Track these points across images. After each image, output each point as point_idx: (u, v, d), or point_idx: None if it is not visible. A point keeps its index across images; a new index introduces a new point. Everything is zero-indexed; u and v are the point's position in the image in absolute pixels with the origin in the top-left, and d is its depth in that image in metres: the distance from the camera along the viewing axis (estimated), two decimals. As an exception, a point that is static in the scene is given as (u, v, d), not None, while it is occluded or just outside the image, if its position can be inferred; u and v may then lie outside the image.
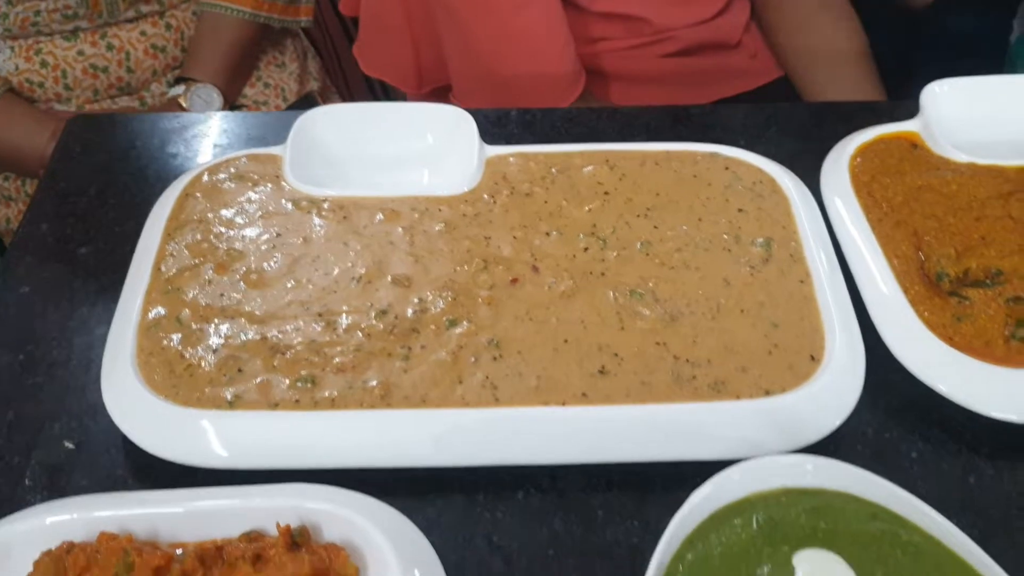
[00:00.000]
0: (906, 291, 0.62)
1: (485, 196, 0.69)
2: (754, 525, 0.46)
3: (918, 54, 1.27)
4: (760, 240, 0.66)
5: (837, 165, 0.71)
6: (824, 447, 0.56)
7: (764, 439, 0.55)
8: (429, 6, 1.04)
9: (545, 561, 0.53)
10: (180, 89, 1.21)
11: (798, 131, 0.80)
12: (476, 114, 0.74)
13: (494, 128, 0.80)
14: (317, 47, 1.43)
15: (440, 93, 1.14)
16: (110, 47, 1.19)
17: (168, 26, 1.22)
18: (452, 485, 0.56)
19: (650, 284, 0.63)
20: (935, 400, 0.58)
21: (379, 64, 1.13)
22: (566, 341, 0.59)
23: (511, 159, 0.72)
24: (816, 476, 0.48)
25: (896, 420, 0.59)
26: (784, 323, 0.61)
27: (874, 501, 0.47)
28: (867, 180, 0.69)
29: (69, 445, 0.58)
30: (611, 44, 1.13)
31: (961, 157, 0.70)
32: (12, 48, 1.17)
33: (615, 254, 0.65)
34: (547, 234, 0.66)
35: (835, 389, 0.57)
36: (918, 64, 1.24)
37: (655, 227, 0.67)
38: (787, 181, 0.70)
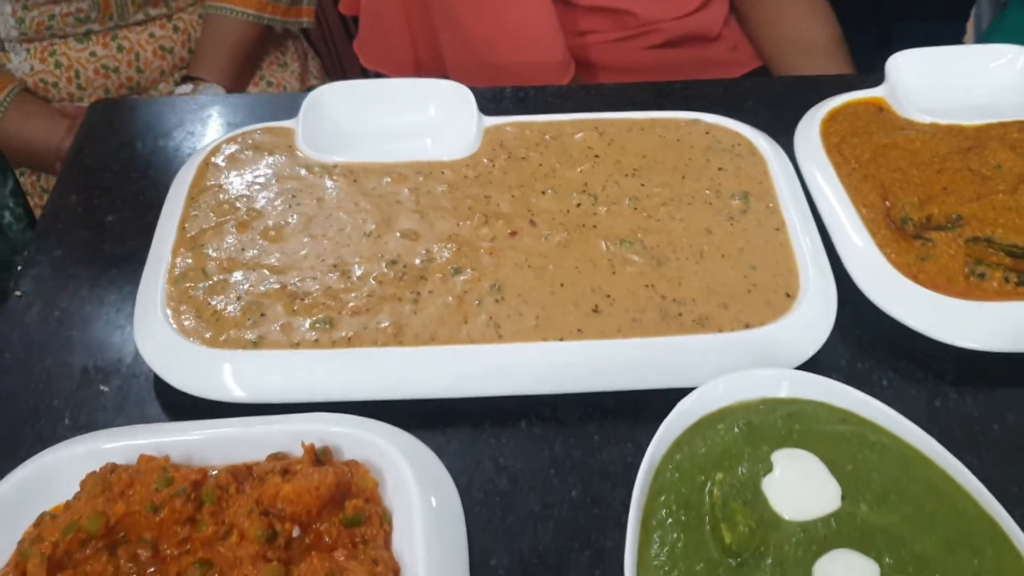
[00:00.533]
0: (874, 235, 0.67)
1: (484, 160, 0.74)
2: (736, 429, 0.51)
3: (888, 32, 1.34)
4: (739, 194, 0.71)
5: (809, 127, 0.76)
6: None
7: (744, 367, 0.60)
8: (427, 3, 1.10)
9: (547, 479, 0.58)
10: (187, 88, 1.26)
11: (773, 102, 0.86)
12: (473, 91, 0.79)
13: (490, 104, 0.85)
14: (317, 48, 1.49)
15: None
16: (120, 48, 1.25)
17: (176, 28, 1.28)
18: (461, 415, 0.61)
19: (639, 235, 0.68)
20: (903, 333, 0.63)
21: (378, 58, 1.19)
22: (562, 285, 0.64)
23: (508, 128, 0.77)
24: (792, 388, 0.53)
25: (868, 352, 0.65)
26: (761, 265, 0.66)
27: (844, 407, 0.52)
28: (837, 141, 0.75)
29: (104, 388, 0.63)
30: (598, 37, 1.19)
31: (924, 118, 0.76)
32: (28, 50, 1.22)
33: (605, 209, 0.70)
34: (543, 192, 0.71)
35: (809, 321, 0.62)
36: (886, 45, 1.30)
37: (642, 185, 0.72)
38: (763, 143, 0.75)
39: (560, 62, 1.09)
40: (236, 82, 1.30)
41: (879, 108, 0.78)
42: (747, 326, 0.62)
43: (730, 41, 1.25)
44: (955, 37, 1.45)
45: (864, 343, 0.65)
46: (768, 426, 0.51)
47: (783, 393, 0.53)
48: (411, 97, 0.79)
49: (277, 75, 1.37)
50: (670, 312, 0.63)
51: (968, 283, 0.64)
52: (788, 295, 0.64)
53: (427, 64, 1.16)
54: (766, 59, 1.23)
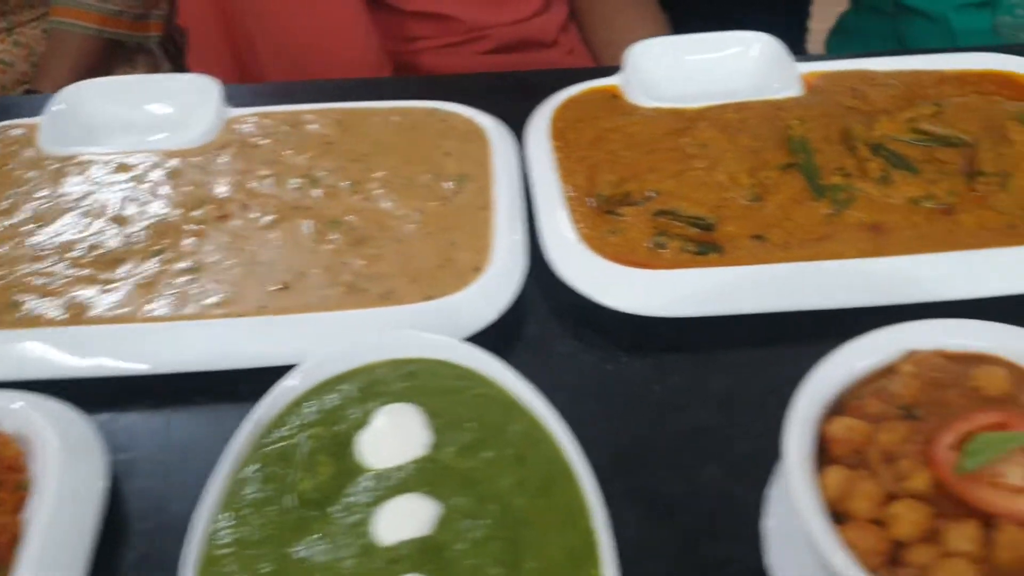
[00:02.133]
0: (572, 212, 0.69)
1: (215, 150, 0.76)
2: (355, 391, 0.53)
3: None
4: (456, 177, 0.73)
5: (541, 114, 0.78)
6: (487, 343, 0.62)
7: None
8: (241, 9, 1.12)
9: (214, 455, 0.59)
10: (30, 101, 1.28)
11: (535, 92, 0.87)
12: (266, 86, 0.80)
13: (281, 99, 0.86)
14: (172, 61, 1.51)
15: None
16: (-40, 62, 1.27)
17: (16, 43, 1.30)
18: (138, 391, 0.62)
19: (348, 216, 0.70)
20: (586, 303, 0.64)
21: (206, 68, 1.21)
22: (259, 263, 0.66)
23: (250, 118, 0.79)
24: (419, 349, 0.55)
25: (555, 322, 0.66)
26: (460, 243, 0.67)
27: (463, 365, 0.54)
28: (563, 127, 0.77)
29: None
30: (426, 43, 1.21)
31: (649, 103, 0.78)
32: None
33: (322, 192, 0.72)
34: (264, 177, 0.73)
35: (491, 292, 0.64)
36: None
37: (367, 169, 0.74)
38: (493, 129, 0.77)
39: (373, 67, 1.11)
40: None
41: (613, 95, 0.80)
42: (429, 297, 0.64)
43: (567, 46, 1.28)
44: (799, 33, 1.48)
45: (552, 314, 0.67)
46: (383, 383, 0.53)
47: (410, 353, 0.54)
48: (158, 92, 0.81)
49: (127, 88, 1.39)
50: (358, 287, 0.64)
51: (650, 253, 0.66)
52: (476, 269, 0.66)
53: (251, 70, 1.18)
54: (599, 63, 1.26)
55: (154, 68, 1.43)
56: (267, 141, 0.77)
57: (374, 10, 1.15)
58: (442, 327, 0.62)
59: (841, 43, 1.38)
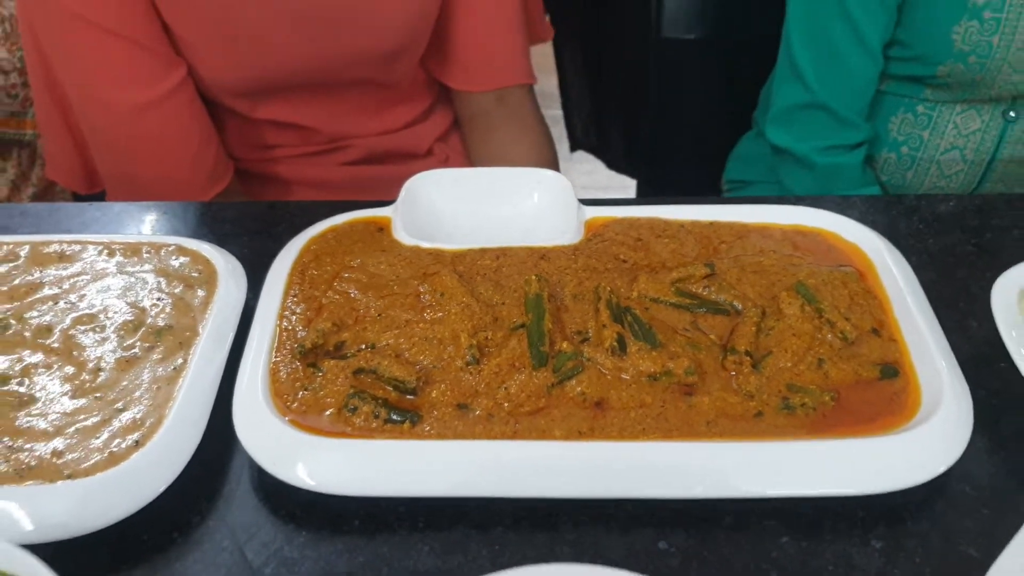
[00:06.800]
0: (273, 364, 0.61)
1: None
2: None
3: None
4: (161, 326, 0.64)
5: (291, 247, 0.71)
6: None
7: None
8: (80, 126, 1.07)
9: None
10: None
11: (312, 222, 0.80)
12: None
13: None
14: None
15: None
16: None
17: None
18: None
19: (18, 367, 0.62)
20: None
21: (58, 169, 1.16)
22: None
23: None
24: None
25: (239, 494, 0.57)
26: (131, 406, 0.58)
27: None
28: (309, 260, 0.69)
29: None
30: (285, 151, 1.16)
31: (410, 240, 0.71)
32: None
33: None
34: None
35: (160, 462, 0.55)
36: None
37: (76, 313, 0.66)
38: (225, 268, 0.69)
39: (207, 175, 1.05)
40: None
41: (379, 228, 0.73)
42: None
43: (442, 155, 1.22)
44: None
45: (237, 482, 0.58)
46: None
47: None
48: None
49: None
50: (-3, 438, 0.56)
51: (335, 418, 0.57)
52: (138, 443, 0.56)
53: (96, 174, 1.14)
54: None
55: (31, 162, 1.40)
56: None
57: (225, 118, 1.10)
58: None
59: (736, 168, 1.32)
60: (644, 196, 1.60)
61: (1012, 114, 1.03)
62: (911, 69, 1.03)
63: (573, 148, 1.69)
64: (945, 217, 0.81)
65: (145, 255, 0.71)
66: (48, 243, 0.72)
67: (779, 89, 1.07)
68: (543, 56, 1.33)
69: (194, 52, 1.00)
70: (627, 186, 1.75)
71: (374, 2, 0.99)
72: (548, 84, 1.48)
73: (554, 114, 1.41)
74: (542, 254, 0.69)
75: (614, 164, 1.67)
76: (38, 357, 0.63)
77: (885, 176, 1.12)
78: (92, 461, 0.55)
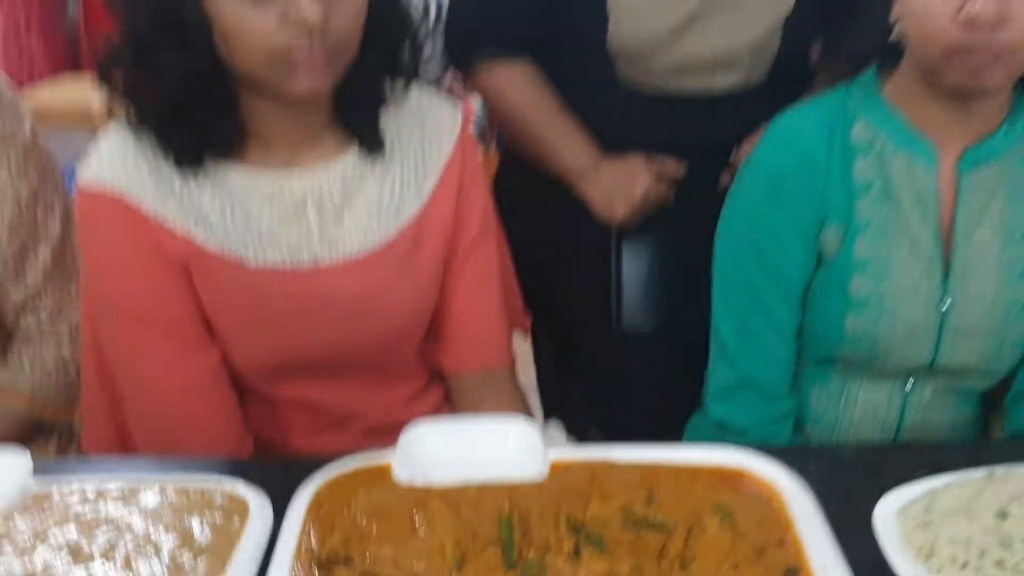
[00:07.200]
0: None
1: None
2: None
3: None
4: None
5: (305, 491, 0.87)
6: None
7: None
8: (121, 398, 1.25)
9: None
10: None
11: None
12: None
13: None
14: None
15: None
16: None
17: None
18: None
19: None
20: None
21: (96, 445, 1.32)
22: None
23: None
24: None
25: None
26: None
27: None
28: (325, 493, 0.86)
29: None
30: (298, 428, 1.31)
31: (408, 481, 0.88)
32: None
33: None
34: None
35: None
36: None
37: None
38: (255, 503, 0.86)
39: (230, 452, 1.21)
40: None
41: (381, 471, 0.90)
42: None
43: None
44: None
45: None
46: None
47: None
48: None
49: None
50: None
51: (348, 614, 0.70)
52: None
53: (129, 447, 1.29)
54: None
55: (67, 443, 1.55)
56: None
57: (244, 398, 1.28)
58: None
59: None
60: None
61: (908, 388, 1.24)
62: (819, 351, 1.25)
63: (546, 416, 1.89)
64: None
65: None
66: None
67: (712, 368, 1.29)
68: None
69: (228, 337, 1.20)
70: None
71: (385, 292, 1.19)
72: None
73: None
74: (513, 487, 0.86)
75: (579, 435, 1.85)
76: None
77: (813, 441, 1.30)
78: None
